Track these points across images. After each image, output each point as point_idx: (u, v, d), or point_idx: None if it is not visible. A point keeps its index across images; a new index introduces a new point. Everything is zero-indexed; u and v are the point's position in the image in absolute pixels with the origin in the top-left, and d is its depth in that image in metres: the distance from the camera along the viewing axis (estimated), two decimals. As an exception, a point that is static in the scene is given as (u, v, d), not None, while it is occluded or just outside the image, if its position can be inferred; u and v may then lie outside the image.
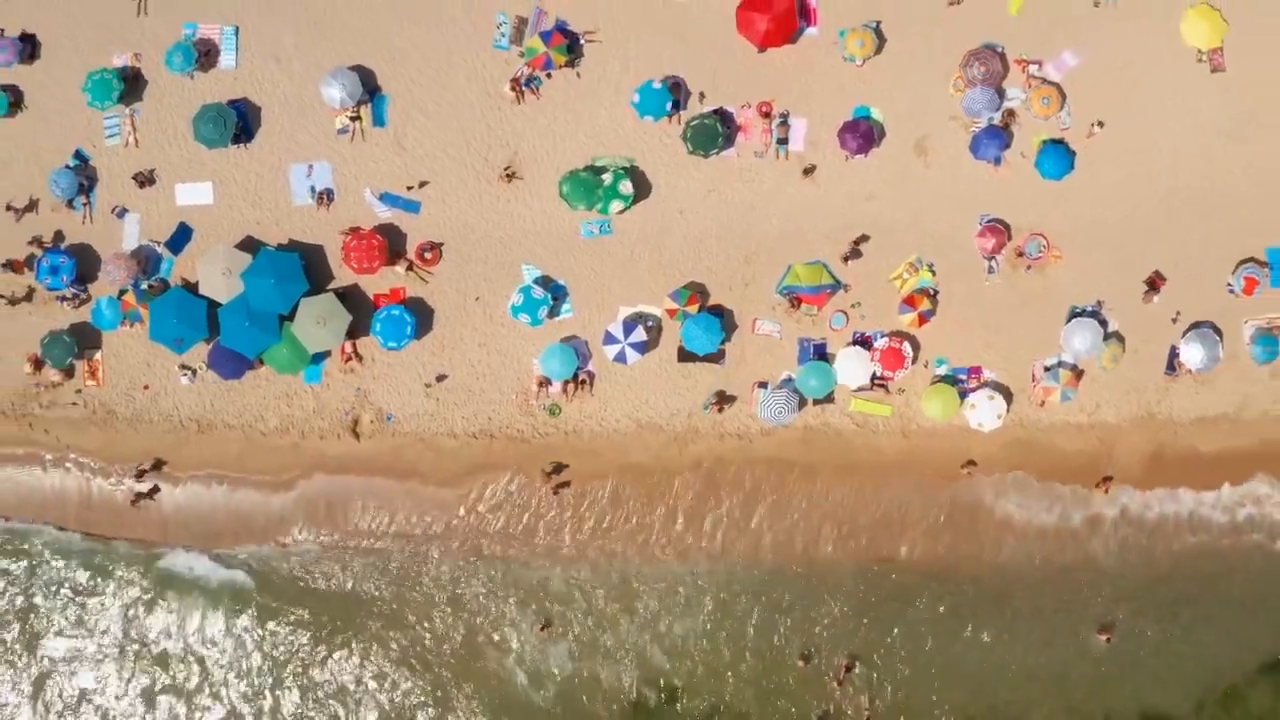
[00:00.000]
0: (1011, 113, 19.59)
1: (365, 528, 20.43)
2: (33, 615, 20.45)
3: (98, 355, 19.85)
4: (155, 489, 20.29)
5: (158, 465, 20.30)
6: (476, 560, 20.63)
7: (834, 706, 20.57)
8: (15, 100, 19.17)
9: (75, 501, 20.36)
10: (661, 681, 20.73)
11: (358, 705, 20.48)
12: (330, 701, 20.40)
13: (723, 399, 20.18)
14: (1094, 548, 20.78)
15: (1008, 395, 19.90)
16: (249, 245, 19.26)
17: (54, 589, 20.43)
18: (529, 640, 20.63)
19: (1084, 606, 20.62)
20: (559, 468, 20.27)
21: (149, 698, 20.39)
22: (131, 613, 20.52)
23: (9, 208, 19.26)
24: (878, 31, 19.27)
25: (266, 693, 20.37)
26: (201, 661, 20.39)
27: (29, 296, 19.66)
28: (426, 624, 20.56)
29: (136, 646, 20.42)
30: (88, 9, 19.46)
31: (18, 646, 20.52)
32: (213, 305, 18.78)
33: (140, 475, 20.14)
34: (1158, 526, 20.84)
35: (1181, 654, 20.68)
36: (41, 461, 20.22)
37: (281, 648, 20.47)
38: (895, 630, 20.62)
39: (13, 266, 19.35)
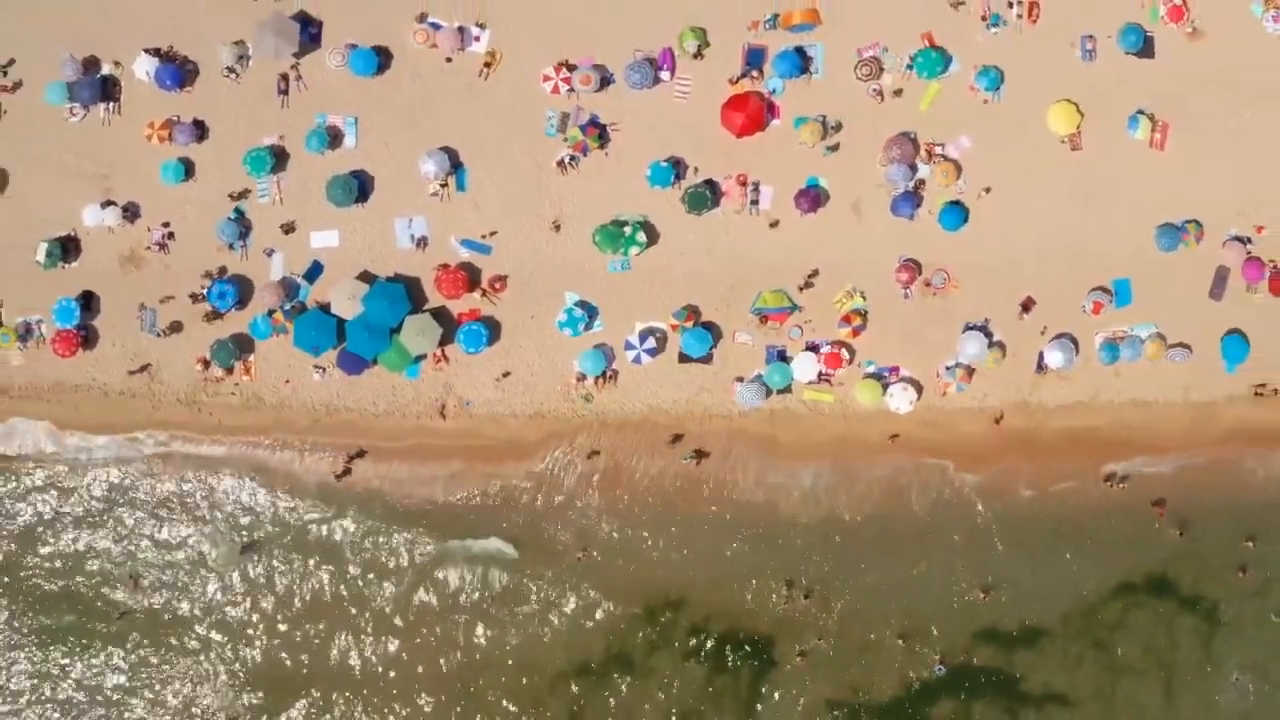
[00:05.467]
0: (922, 182, 22.30)
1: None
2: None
3: (251, 357, 22.91)
4: (348, 470, 23.55)
5: (361, 454, 23.57)
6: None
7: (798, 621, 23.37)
8: (189, 170, 22.47)
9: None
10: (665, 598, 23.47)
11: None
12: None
13: (700, 454, 22.94)
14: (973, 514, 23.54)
15: (918, 387, 22.80)
16: (366, 277, 22.20)
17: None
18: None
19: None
20: (680, 436, 22.72)
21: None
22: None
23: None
24: (824, 123, 22.16)
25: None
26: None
27: (221, 316, 22.61)
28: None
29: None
30: (244, 103, 22.52)
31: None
32: (340, 321, 21.80)
33: (350, 459, 23.48)
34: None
35: (1052, 581, 23.54)
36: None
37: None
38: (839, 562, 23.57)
39: (195, 298, 22.71)
